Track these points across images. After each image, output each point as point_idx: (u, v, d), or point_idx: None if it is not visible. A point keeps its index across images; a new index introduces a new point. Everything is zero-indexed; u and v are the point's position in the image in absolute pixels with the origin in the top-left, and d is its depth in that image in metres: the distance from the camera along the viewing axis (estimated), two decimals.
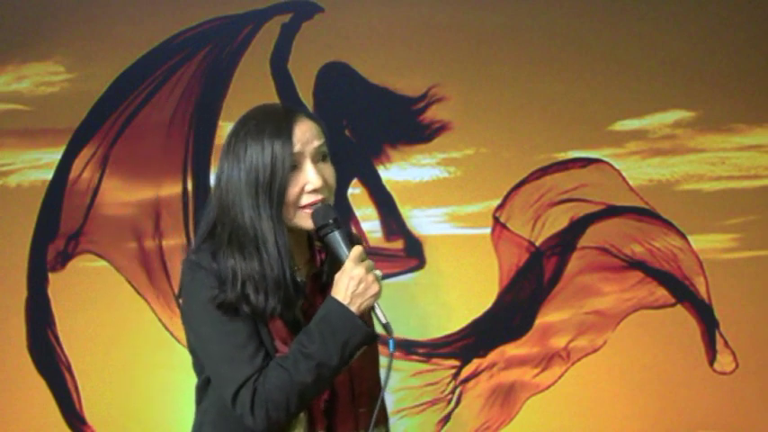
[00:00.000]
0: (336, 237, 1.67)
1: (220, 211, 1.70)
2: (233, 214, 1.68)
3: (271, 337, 1.67)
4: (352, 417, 1.73)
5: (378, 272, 1.65)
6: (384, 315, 1.64)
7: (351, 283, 1.62)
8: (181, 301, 1.76)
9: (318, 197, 1.69)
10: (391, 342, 1.64)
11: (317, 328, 1.62)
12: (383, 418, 1.81)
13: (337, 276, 1.64)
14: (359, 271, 1.62)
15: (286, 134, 1.67)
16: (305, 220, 1.69)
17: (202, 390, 1.79)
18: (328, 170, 1.72)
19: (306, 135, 1.69)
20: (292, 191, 1.68)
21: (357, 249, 1.65)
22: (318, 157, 1.71)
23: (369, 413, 1.74)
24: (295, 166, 1.68)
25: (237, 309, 1.65)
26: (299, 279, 1.73)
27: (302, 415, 1.68)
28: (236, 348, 1.65)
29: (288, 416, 1.64)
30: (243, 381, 1.63)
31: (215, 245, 1.70)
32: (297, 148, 1.68)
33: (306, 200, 1.68)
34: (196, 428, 1.80)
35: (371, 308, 1.64)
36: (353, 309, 1.61)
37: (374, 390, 1.78)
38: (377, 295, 1.63)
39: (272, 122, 1.70)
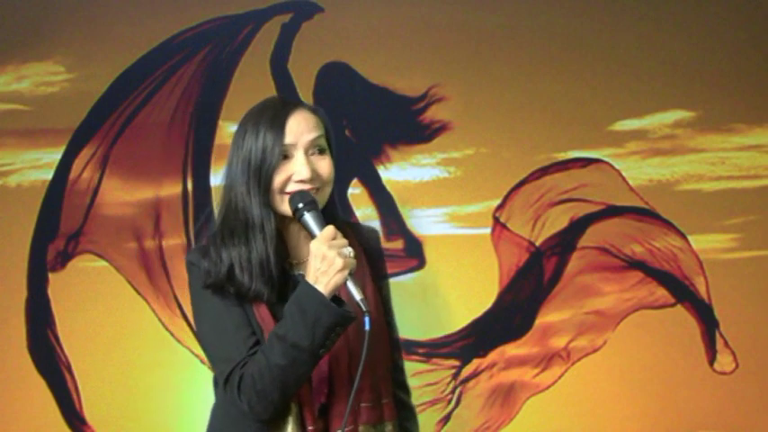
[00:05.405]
0: (307, 218, 1.69)
1: (222, 195, 1.77)
2: (229, 197, 1.75)
3: (261, 328, 1.69)
4: (352, 412, 1.72)
5: (347, 249, 1.64)
6: (358, 291, 1.63)
7: (315, 262, 1.63)
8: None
9: (305, 187, 1.71)
10: (367, 319, 1.63)
11: (288, 310, 1.64)
12: (390, 414, 1.80)
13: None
14: (321, 249, 1.63)
15: (279, 125, 1.72)
16: (288, 207, 1.72)
17: (217, 382, 1.82)
18: (322, 163, 1.75)
19: (300, 127, 1.73)
20: (279, 178, 1.72)
21: (326, 229, 1.66)
22: (313, 150, 1.74)
23: (372, 409, 1.75)
24: (286, 156, 1.71)
25: (224, 289, 1.69)
26: (296, 272, 1.75)
27: (293, 407, 1.69)
28: (230, 331, 1.69)
29: (271, 403, 1.64)
30: (234, 365, 1.67)
31: (207, 238, 1.77)
32: (288, 139, 1.72)
33: (291, 188, 1.71)
34: (211, 417, 1.83)
35: (343, 285, 1.63)
36: (320, 287, 1.61)
37: (379, 385, 1.78)
38: (343, 270, 1.62)
39: (269, 113, 1.75)
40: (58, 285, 2.95)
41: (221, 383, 1.70)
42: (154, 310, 2.95)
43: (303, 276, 1.70)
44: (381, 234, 2.98)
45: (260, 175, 1.71)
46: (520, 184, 3.04)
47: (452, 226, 3.02)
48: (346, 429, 1.71)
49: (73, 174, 2.99)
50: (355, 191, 3.02)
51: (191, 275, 1.76)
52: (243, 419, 1.71)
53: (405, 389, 1.97)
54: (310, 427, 1.69)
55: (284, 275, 1.74)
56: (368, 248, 1.88)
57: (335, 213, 1.83)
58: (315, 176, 1.72)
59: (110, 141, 2.99)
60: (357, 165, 3.03)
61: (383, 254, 1.96)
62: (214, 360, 1.74)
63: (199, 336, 1.78)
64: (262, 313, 1.70)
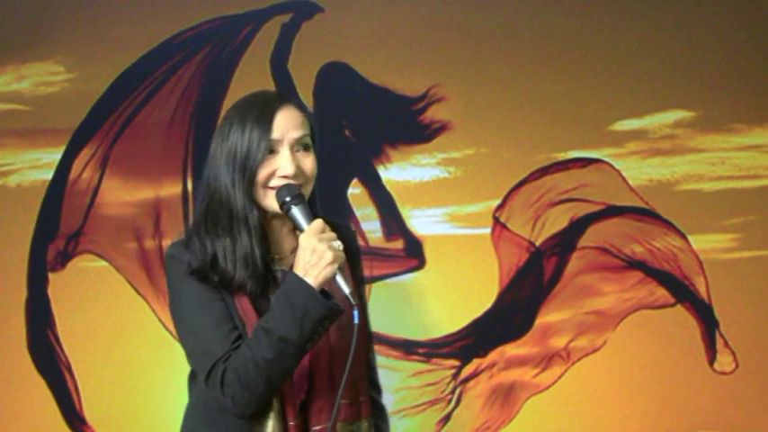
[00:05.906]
0: (295, 212, 1.69)
1: (205, 187, 1.76)
2: (213, 188, 1.74)
3: (243, 322, 1.68)
4: (330, 409, 1.70)
5: (336, 243, 1.64)
6: (346, 284, 1.63)
7: (304, 255, 1.62)
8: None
9: (289, 183, 1.71)
10: (356, 312, 1.63)
11: (276, 303, 1.63)
12: (367, 412, 1.80)
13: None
14: (311, 241, 1.62)
15: (266, 120, 1.72)
16: (272, 201, 1.72)
17: (192, 380, 1.80)
18: (307, 160, 1.76)
19: (288, 123, 1.74)
20: (263, 173, 1.72)
21: (315, 222, 1.66)
22: (298, 147, 1.74)
23: (351, 406, 1.75)
24: (272, 151, 1.72)
25: (207, 278, 1.68)
26: (278, 268, 1.75)
27: (275, 403, 1.68)
28: (212, 325, 1.68)
29: (256, 397, 1.64)
30: (216, 359, 1.66)
31: (190, 231, 1.75)
32: (275, 134, 1.72)
33: (274, 183, 1.71)
34: (185, 418, 1.82)
35: (332, 279, 1.62)
36: (310, 280, 1.61)
37: (358, 382, 1.78)
38: (333, 263, 1.61)
39: (257, 107, 1.76)
40: (58, 285, 2.95)
41: (202, 378, 1.69)
42: (154, 310, 2.95)
43: (285, 272, 1.71)
44: (381, 234, 3.01)
45: (245, 168, 1.72)
46: (520, 184, 3.04)
47: (452, 226, 3.02)
48: (323, 427, 1.70)
49: (73, 174, 2.99)
50: (355, 191, 3.03)
51: (171, 269, 1.74)
52: (222, 417, 1.70)
53: (376, 387, 1.97)
54: (291, 423, 1.69)
55: (266, 270, 1.74)
56: (347, 247, 1.88)
57: (316, 211, 1.83)
58: (299, 173, 1.74)
59: (110, 141, 3.00)
60: (357, 165, 3.03)
61: (360, 252, 1.96)
62: (194, 355, 1.72)
63: (178, 330, 1.74)
64: (244, 307, 1.70)
